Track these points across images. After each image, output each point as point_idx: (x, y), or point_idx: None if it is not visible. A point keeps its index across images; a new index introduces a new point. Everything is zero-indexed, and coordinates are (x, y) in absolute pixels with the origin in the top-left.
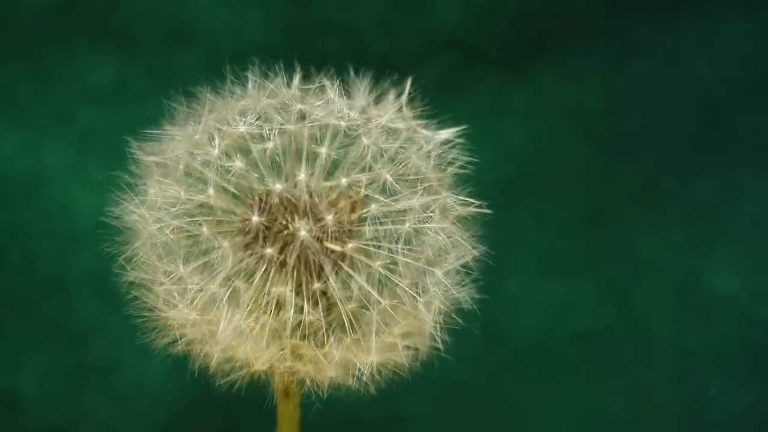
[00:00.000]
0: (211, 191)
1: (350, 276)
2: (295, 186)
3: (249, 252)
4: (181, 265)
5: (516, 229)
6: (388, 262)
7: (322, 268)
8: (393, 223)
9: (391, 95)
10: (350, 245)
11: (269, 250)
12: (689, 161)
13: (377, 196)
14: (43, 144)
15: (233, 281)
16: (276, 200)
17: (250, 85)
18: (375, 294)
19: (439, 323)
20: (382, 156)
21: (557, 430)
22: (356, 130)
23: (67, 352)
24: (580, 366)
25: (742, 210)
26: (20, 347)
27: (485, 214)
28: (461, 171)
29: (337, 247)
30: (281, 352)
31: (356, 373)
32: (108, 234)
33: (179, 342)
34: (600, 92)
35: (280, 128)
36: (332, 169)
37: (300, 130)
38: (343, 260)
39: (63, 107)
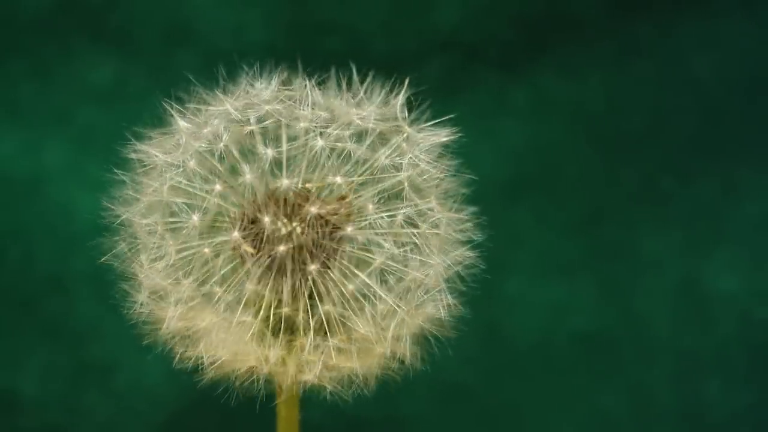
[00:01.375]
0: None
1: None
2: (240, 185)
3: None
4: (167, 264)
5: (516, 229)
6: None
7: (305, 264)
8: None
9: (383, 96)
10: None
11: (246, 246)
12: (689, 161)
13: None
14: (43, 144)
15: (213, 279)
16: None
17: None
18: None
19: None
20: (341, 157)
21: (557, 430)
22: (315, 131)
23: (67, 352)
24: (579, 366)
25: (742, 210)
26: (20, 347)
27: (481, 218)
28: (452, 175)
29: (250, 249)
30: (264, 352)
31: (339, 376)
32: (106, 233)
33: (168, 340)
34: (600, 92)
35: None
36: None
37: (241, 131)
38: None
39: (63, 107)
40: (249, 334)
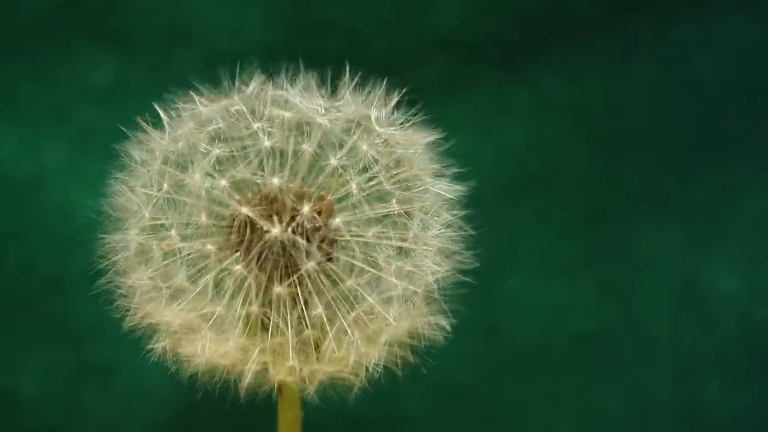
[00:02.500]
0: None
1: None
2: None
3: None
4: (156, 262)
5: (516, 229)
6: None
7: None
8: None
9: (369, 96)
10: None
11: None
12: (689, 161)
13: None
14: (43, 144)
15: (196, 273)
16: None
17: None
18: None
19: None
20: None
21: (557, 430)
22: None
23: (67, 352)
24: (579, 366)
25: (742, 210)
26: (20, 347)
27: (472, 215)
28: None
29: (165, 247)
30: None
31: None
32: (103, 233)
33: (159, 340)
34: (600, 92)
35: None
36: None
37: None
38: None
39: (63, 107)
40: (234, 334)
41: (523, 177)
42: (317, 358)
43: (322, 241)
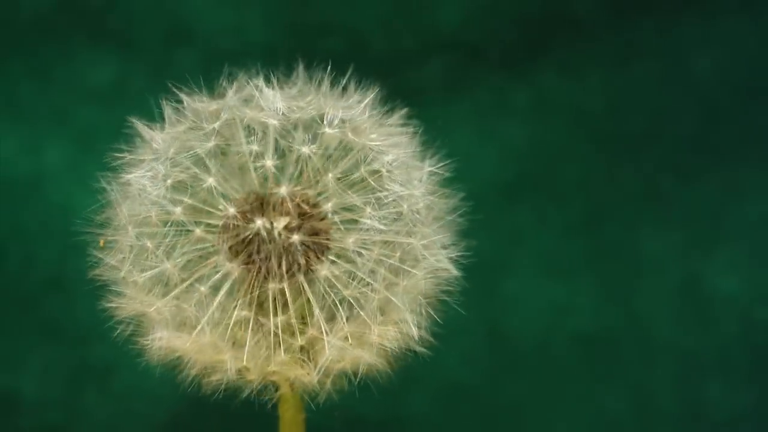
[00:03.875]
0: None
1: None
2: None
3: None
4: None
5: (517, 229)
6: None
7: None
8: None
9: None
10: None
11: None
12: (690, 161)
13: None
14: (43, 144)
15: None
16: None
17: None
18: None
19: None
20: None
21: (557, 430)
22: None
23: (67, 352)
24: (580, 366)
25: (743, 210)
26: (20, 347)
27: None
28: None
29: (102, 243)
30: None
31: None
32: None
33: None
34: (601, 92)
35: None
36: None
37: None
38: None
39: (63, 107)
40: (227, 336)
41: (523, 177)
42: (310, 360)
43: (311, 235)
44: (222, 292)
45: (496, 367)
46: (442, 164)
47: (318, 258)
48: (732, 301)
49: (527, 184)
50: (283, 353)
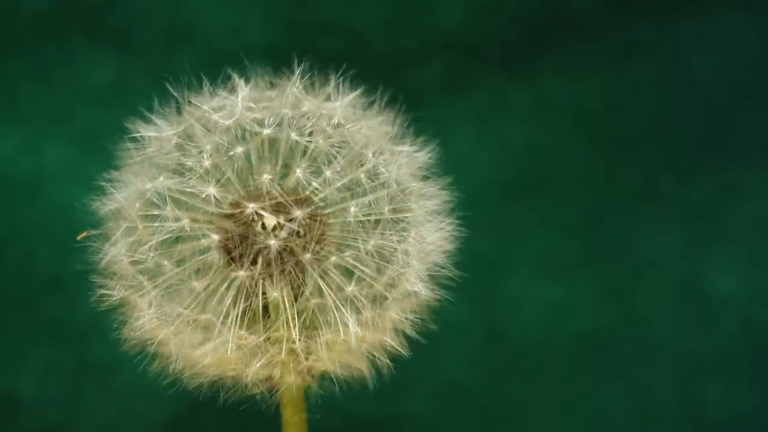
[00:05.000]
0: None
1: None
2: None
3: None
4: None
5: (517, 229)
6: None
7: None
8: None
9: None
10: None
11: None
12: (690, 161)
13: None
14: (43, 144)
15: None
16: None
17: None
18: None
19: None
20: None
21: (557, 430)
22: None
23: (67, 352)
24: (580, 366)
25: (743, 210)
26: (20, 347)
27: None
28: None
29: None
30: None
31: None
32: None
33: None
34: (600, 93)
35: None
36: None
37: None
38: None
39: (63, 107)
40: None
41: (523, 177)
42: (313, 351)
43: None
44: (209, 283)
45: (496, 367)
46: (425, 148)
47: (314, 250)
48: (732, 301)
49: (527, 184)
50: (283, 352)
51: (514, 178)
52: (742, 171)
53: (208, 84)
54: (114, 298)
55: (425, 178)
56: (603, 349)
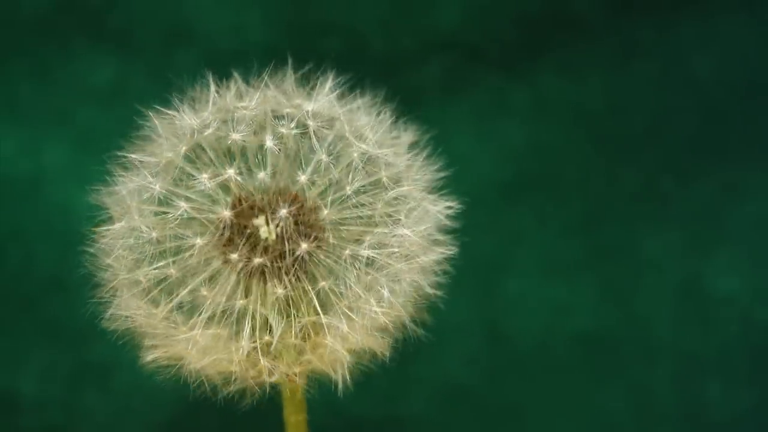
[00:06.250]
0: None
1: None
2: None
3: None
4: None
5: (516, 230)
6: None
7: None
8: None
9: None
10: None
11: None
12: (690, 162)
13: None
14: (43, 144)
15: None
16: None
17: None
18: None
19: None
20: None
21: (557, 430)
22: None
23: (67, 352)
24: (580, 366)
25: (743, 210)
26: (20, 347)
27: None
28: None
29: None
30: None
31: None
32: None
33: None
34: (600, 93)
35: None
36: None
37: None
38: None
39: (63, 107)
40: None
41: (523, 177)
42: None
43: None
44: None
45: (496, 367)
46: (416, 133)
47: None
48: (732, 301)
49: (526, 185)
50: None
51: (513, 178)
52: (743, 171)
53: (208, 84)
54: (109, 283)
55: (416, 160)
56: (603, 349)
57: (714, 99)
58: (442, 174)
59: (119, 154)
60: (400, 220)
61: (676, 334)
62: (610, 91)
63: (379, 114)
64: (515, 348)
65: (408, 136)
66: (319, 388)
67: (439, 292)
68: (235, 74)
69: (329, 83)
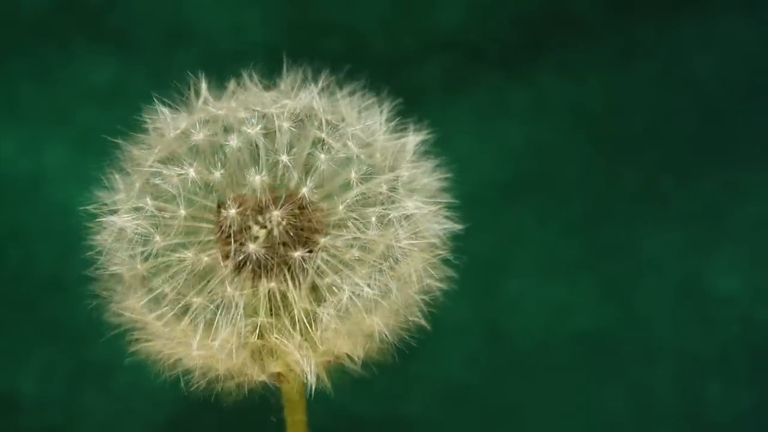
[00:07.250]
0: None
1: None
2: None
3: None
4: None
5: (517, 230)
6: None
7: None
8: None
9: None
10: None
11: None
12: (690, 162)
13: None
14: (43, 144)
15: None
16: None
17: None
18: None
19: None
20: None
21: (557, 430)
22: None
23: (67, 352)
24: (580, 366)
25: (743, 210)
26: (20, 347)
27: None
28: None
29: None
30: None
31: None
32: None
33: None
34: (600, 93)
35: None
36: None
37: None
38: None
39: (63, 107)
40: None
41: (523, 177)
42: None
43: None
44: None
45: (496, 367)
46: (422, 133)
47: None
48: (732, 301)
49: (526, 185)
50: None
51: (513, 178)
52: (743, 171)
53: (208, 84)
54: (108, 273)
55: (418, 160)
56: (603, 349)
57: (714, 99)
58: (442, 175)
59: (117, 154)
60: (396, 222)
61: (676, 334)
62: (610, 91)
63: (378, 114)
64: (515, 348)
65: (412, 139)
66: (319, 388)
67: (441, 289)
68: (233, 77)
69: (324, 82)
